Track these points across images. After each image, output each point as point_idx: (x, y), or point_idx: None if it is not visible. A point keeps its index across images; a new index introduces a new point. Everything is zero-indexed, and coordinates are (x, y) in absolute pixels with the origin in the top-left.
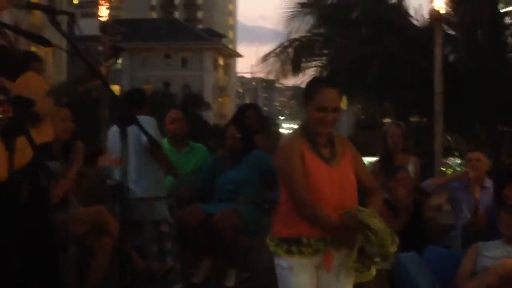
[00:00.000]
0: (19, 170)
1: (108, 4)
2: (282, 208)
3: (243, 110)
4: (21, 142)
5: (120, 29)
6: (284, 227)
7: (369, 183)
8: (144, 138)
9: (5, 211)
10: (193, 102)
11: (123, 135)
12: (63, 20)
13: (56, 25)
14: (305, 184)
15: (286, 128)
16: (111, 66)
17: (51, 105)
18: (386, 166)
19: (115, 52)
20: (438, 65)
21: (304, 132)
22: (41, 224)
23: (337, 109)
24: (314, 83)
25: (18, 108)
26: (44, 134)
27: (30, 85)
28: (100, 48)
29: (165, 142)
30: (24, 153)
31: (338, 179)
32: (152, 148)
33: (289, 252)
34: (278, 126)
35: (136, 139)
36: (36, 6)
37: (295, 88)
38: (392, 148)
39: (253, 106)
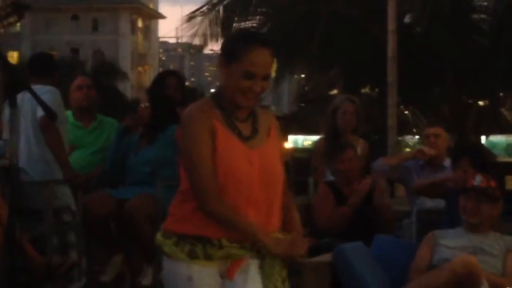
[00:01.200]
0: None
1: None
2: (184, 197)
3: (162, 78)
4: None
5: None
6: (187, 221)
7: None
8: (40, 110)
9: None
10: (107, 71)
11: (12, 103)
12: None
13: None
14: (213, 170)
15: None
16: (10, 26)
17: None
18: (332, 147)
19: (18, 9)
20: (391, 25)
21: (217, 100)
22: None
23: (267, 77)
24: (241, 39)
25: None
26: None
27: None
28: None
29: (69, 114)
30: None
31: (260, 164)
32: (44, 126)
33: (191, 254)
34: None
35: (32, 111)
36: None
37: None
38: (342, 128)
39: (173, 74)
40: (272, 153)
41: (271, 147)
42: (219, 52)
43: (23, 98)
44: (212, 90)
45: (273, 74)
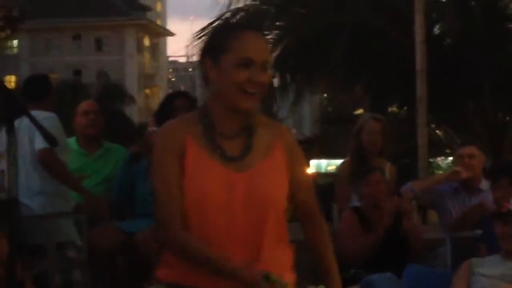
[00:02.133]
0: None
1: None
2: None
3: (170, 100)
4: None
5: (14, 2)
6: (172, 266)
7: (308, 207)
8: (38, 142)
9: None
10: (112, 94)
11: (10, 131)
12: None
13: None
14: (176, 197)
15: None
16: (5, 41)
17: None
18: (358, 170)
19: (11, 22)
20: (419, 36)
21: (202, 114)
22: None
23: (266, 65)
24: (226, 28)
25: None
26: None
27: None
28: None
29: (73, 141)
30: None
31: (246, 190)
32: (45, 160)
33: None
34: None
35: (30, 140)
36: None
37: None
38: (367, 149)
39: (183, 95)
40: (267, 175)
41: (267, 168)
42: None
43: (19, 126)
44: None
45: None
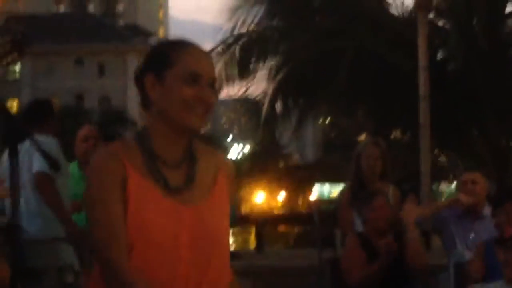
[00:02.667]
0: None
1: None
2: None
3: None
4: None
5: (18, 27)
6: None
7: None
8: (36, 165)
9: None
10: (114, 119)
11: (12, 155)
12: None
13: None
14: (122, 237)
15: (236, 151)
16: (10, 65)
17: None
18: (361, 195)
19: (18, 44)
20: (422, 62)
21: (141, 141)
22: None
23: (214, 83)
24: (170, 43)
25: None
26: None
27: None
28: None
29: (74, 166)
30: None
31: (192, 225)
32: (39, 183)
33: None
34: (226, 149)
35: (28, 164)
36: None
37: (245, 100)
38: (367, 174)
39: None
40: (214, 211)
41: (213, 203)
42: (235, 97)
43: (20, 149)
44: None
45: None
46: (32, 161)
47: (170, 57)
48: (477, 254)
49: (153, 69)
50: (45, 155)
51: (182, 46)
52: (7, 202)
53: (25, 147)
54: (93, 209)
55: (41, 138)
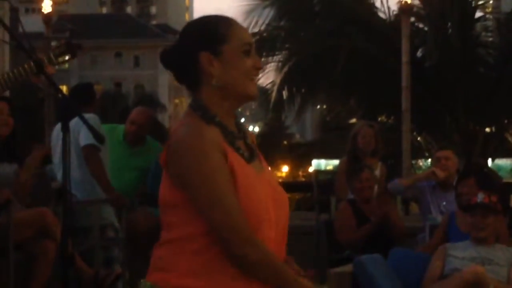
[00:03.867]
0: None
1: None
2: (196, 246)
3: None
4: None
5: (68, 25)
6: (206, 279)
7: None
8: (82, 139)
9: None
10: (147, 103)
11: (65, 129)
12: (5, 15)
13: None
14: (238, 204)
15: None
16: (64, 64)
17: None
18: (353, 172)
19: (72, 48)
20: (405, 58)
21: (206, 116)
22: None
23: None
24: (215, 20)
25: None
26: None
27: None
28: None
29: (120, 130)
30: None
31: (271, 191)
32: (87, 155)
33: None
34: None
35: (74, 137)
36: None
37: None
38: (362, 151)
39: None
40: (273, 177)
41: (269, 173)
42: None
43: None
44: (242, 120)
45: None
46: (78, 135)
47: (223, 33)
48: (440, 225)
49: (207, 47)
50: (92, 129)
51: (228, 22)
52: (57, 171)
53: (72, 123)
54: (207, 181)
55: (86, 115)
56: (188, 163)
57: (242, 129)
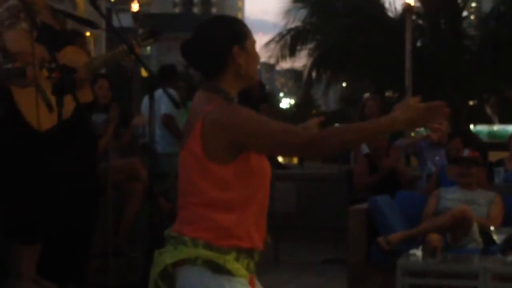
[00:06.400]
0: (65, 120)
1: (139, 1)
2: (222, 207)
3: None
4: (67, 99)
5: (149, 22)
6: (245, 231)
7: None
8: (162, 108)
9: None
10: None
11: (151, 98)
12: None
13: (96, 8)
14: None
15: (286, 103)
16: (148, 45)
17: (88, 73)
18: None
19: (154, 34)
20: (408, 46)
21: (226, 96)
22: (89, 165)
23: None
24: (237, 22)
25: (64, 73)
26: (85, 95)
27: (73, 56)
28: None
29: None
30: (69, 107)
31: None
32: (165, 122)
33: (249, 270)
34: (278, 101)
35: (159, 106)
36: None
37: (292, 70)
38: (369, 117)
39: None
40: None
41: None
42: (286, 69)
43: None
44: (281, 95)
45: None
46: (160, 104)
47: (245, 32)
48: (434, 175)
49: (237, 42)
50: (172, 98)
51: (243, 22)
52: (147, 129)
53: (157, 94)
54: (252, 119)
55: (168, 89)
56: (241, 120)
57: None
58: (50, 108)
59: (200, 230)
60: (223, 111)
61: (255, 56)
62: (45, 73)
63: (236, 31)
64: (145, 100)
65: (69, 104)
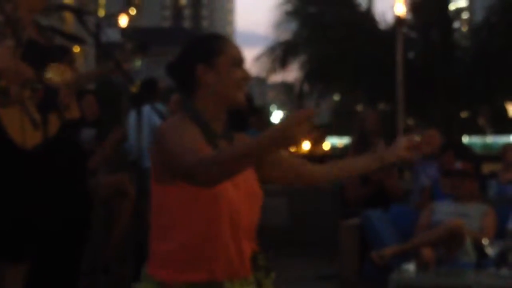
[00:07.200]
0: (51, 137)
1: (128, 16)
2: (179, 232)
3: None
4: (53, 116)
5: (138, 35)
6: (189, 265)
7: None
8: (155, 120)
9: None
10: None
11: (139, 114)
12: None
13: (84, 24)
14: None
15: (278, 116)
16: (136, 60)
17: (72, 92)
18: (362, 147)
19: (142, 48)
20: (399, 58)
21: (193, 116)
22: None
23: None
24: (211, 37)
25: (48, 93)
26: (72, 112)
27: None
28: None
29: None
30: (55, 124)
31: (245, 187)
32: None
33: None
34: (270, 113)
35: (148, 119)
36: (67, 8)
37: (283, 84)
38: (370, 131)
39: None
40: (251, 173)
41: (248, 171)
42: (277, 82)
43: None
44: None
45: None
46: (150, 119)
47: (217, 48)
48: (426, 188)
49: (203, 59)
50: (161, 114)
51: (221, 39)
52: (134, 145)
53: (145, 109)
54: (171, 142)
55: (155, 104)
56: (164, 138)
57: (230, 133)
58: (35, 125)
59: (152, 267)
60: (161, 128)
61: (228, 74)
62: (28, 92)
63: (203, 48)
64: (132, 114)
65: (55, 121)
